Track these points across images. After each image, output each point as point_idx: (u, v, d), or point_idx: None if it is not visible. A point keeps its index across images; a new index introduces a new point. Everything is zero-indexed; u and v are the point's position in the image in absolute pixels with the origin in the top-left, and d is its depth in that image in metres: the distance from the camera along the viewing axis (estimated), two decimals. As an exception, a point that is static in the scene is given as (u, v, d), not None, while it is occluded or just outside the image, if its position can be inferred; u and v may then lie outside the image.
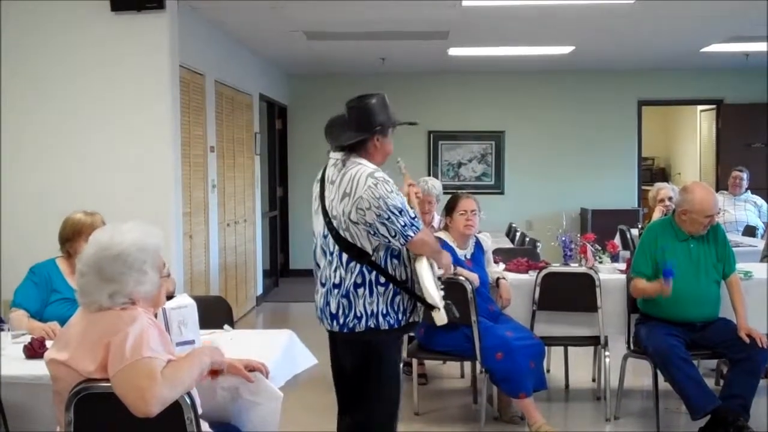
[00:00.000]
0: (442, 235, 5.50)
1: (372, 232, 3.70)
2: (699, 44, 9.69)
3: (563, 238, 6.07)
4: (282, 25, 8.24)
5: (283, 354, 3.79)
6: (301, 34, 8.69)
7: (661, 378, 5.16)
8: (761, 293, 5.46)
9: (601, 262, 6.10)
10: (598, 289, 5.52)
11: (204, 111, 7.78)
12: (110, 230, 2.99)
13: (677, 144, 15.67)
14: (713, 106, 12.70)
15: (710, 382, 5.70)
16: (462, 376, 6.60)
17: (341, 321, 3.79)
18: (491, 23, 8.24)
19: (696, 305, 5.18)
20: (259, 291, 10.28)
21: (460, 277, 5.17)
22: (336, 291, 3.78)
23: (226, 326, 4.16)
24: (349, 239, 3.74)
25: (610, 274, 5.83)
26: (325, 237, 3.84)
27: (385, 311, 3.75)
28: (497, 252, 6.38)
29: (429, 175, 11.53)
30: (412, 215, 3.75)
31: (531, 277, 5.75)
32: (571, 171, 12.27)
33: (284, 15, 7.74)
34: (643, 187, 12.55)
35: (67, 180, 6.33)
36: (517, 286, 5.67)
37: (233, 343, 3.78)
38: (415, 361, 5.70)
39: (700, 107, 13.97)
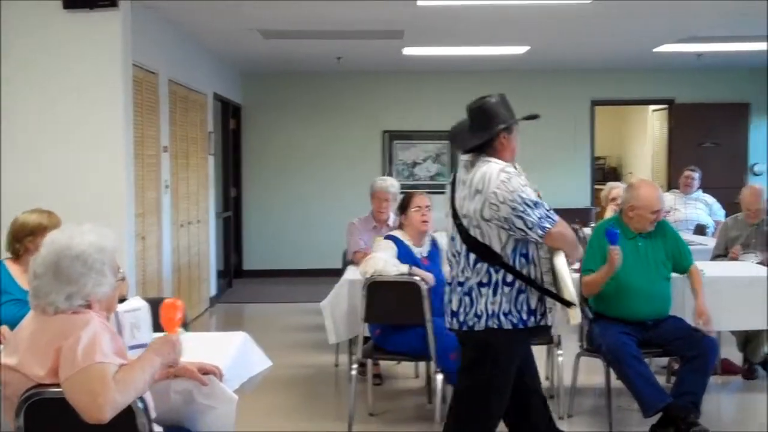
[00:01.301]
0: (398, 234, 5.50)
1: (507, 227, 3.71)
2: (651, 44, 9.80)
3: (518, 238, 6.09)
4: (238, 23, 8.20)
5: (237, 356, 3.77)
6: (256, 33, 8.64)
7: (613, 376, 5.21)
8: (712, 291, 5.52)
9: (555, 262, 6.12)
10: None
11: (157, 110, 7.70)
12: (68, 231, 2.95)
13: (629, 143, 15.84)
14: (665, 106, 12.86)
15: (661, 380, 5.77)
16: (416, 376, 6.60)
17: (461, 318, 3.84)
18: (446, 23, 8.27)
19: (646, 302, 5.24)
20: (213, 292, 10.21)
21: (415, 277, 5.18)
22: (459, 288, 3.83)
23: (179, 329, 4.11)
24: (479, 237, 3.76)
25: (563, 273, 5.85)
26: (453, 239, 3.90)
27: (507, 310, 3.76)
28: (452, 252, 6.40)
29: (383, 174, 11.54)
30: (548, 208, 3.76)
31: (486, 276, 5.76)
32: (525, 170, 12.25)
33: (240, 14, 7.70)
34: (596, 186, 12.68)
35: (17, 180, 6.22)
36: (471, 286, 5.67)
37: (187, 346, 3.74)
38: (369, 362, 5.69)
39: (651, 107, 14.13)
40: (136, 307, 3.56)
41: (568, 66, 11.85)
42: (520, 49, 9.99)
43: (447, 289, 3.95)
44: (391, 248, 5.40)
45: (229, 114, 11.62)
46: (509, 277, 3.75)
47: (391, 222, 6.55)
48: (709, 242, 7.81)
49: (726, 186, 10.47)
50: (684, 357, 5.14)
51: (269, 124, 12.27)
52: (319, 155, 12.32)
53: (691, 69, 11.84)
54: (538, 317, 3.80)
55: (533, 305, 3.79)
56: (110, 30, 6.30)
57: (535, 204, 3.70)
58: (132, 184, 6.66)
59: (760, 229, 6.95)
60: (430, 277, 5.28)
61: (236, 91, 11.83)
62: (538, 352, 6.26)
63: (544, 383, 6.24)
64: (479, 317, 3.78)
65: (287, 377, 6.50)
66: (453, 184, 3.97)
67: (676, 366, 5.99)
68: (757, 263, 6.57)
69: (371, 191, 6.79)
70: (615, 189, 7.11)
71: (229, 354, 3.71)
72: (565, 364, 5.59)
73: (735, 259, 6.79)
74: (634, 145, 15.40)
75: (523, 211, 3.66)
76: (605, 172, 15.48)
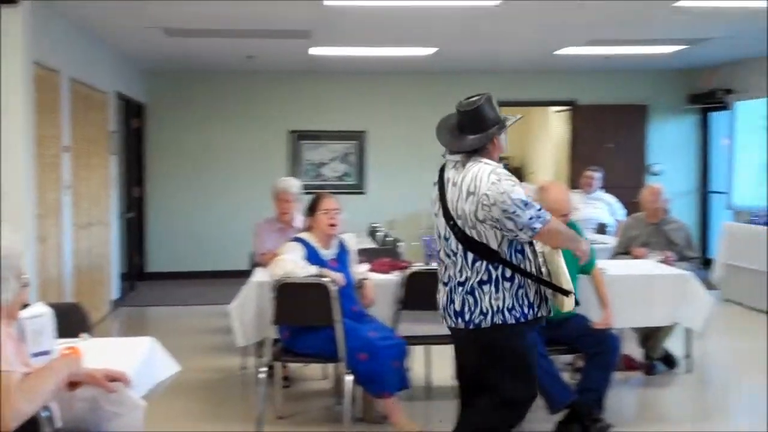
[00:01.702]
0: (305, 236, 5.48)
1: (499, 228, 3.72)
2: (554, 47, 9.99)
3: (425, 238, 6.15)
4: (141, 21, 8.05)
5: (144, 362, 3.69)
6: (160, 31, 8.50)
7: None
8: (613, 289, 5.65)
9: (462, 262, 6.19)
10: (459, 288, 5.60)
11: (58, 109, 7.51)
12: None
13: (532, 144, 16.09)
14: (567, 108, 13.11)
15: (566, 377, 5.87)
16: (324, 377, 6.59)
17: (466, 318, 3.83)
18: (353, 24, 8.27)
19: (553, 302, 5.32)
20: (115, 295, 10.00)
21: (325, 278, 5.17)
22: (460, 289, 3.83)
23: (84, 334, 4.02)
24: (476, 237, 3.77)
25: (470, 273, 5.91)
26: (446, 239, 3.87)
27: (510, 305, 3.80)
28: (360, 252, 6.39)
29: (290, 174, 11.49)
30: (538, 207, 3.76)
31: (394, 277, 5.79)
32: (432, 171, 12.34)
33: (144, 12, 7.56)
34: (501, 187, 12.83)
35: None
36: (380, 286, 5.70)
37: (92, 352, 3.66)
38: (278, 364, 5.66)
39: (554, 108, 14.40)
40: (38, 313, 3.44)
41: (473, 67, 11.97)
42: (428, 51, 10.06)
43: (444, 290, 3.94)
44: (299, 250, 5.38)
45: (132, 113, 11.41)
46: (508, 273, 3.80)
47: (297, 223, 6.52)
48: (610, 241, 8.01)
49: (626, 186, 10.74)
50: (588, 354, 5.25)
51: (174, 123, 12.09)
52: (225, 155, 12.19)
53: (593, 71, 12.11)
54: (536, 309, 3.88)
55: (531, 298, 3.86)
56: (11, 27, 6.13)
57: (525, 204, 3.72)
58: (31, 185, 6.49)
59: (660, 228, 7.15)
60: (339, 278, 5.27)
61: (140, 89, 11.61)
62: (447, 352, 6.36)
63: (451, 382, 6.34)
64: (485, 314, 3.81)
65: (194, 381, 6.40)
66: (441, 183, 3.98)
67: (580, 363, 6.13)
68: (659, 261, 6.76)
69: (273, 193, 6.75)
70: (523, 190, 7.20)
71: (136, 359, 3.64)
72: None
73: (639, 257, 6.97)
74: (537, 146, 15.66)
75: (513, 212, 3.69)
76: (509, 173, 15.67)
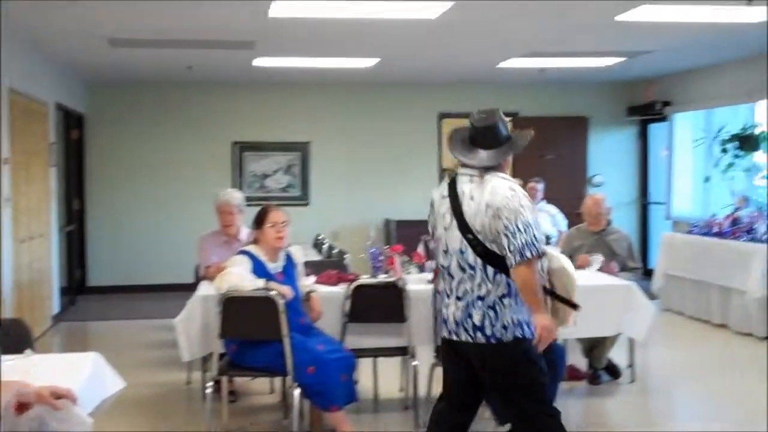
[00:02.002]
0: (252, 249, 5.44)
1: (498, 241, 3.80)
2: (496, 59, 10.07)
3: (372, 250, 6.15)
4: (84, 31, 7.93)
5: (90, 378, 3.64)
6: (104, 41, 8.38)
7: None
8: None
9: (408, 273, 6.22)
10: (406, 300, 5.61)
11: (-4, 121, 7.38)
12: None
13: (475, 155, 16.20)
14: (509, 119, 13.16)
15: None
16: (271, 391, 6.54)
17: (488, 332, 3.83)
18: (297, 35, 8.25)
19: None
20: (56, 310, 9.82)
21: (272, 291, 5.14)
22: (480, 303, 3.83)
23: (27, 351, 3.94)
24: (497, 251, 3.78)
25: (417, 284, 5.93)
26: (462, 252, 3.85)
27: (527, 320, 3.86)
28: (307, 265, 6.36)
29: (234, 186, 11.42)
30: (539, 237, 3.79)
31: (341, 289, 5.78)
32: (376, 182, 12.48)
33: (86, 21, 7.45)
34: (444, 198, 12.89)
35: None
36: (327, 299, 5.68)
37: (36, 369, 3.58)
38: (224, 379, 5.60)
39: (496, 120, 14.49)
40: (-20, 330, 3.37)
41: (416, 79, 12.04)
42: (370, 62, 10.08)
43: (458, 303, 3.93)
44: (246, 263, 5.34)
45: (72, 123, 11.24)
46: None
47: (242, 236, 6.47)
48: (553, 252, 8.06)
49: (567, 197, 10.87)
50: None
51: (115, 134, 11.93)
52: (168, 166, 12.06)
53: (534, 83, 12.24)
54: None
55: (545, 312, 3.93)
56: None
57: (525, 229, 3.74)
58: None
59: (602, 238, 7.23)
60: (287, 291, 5.25)
61: (79, 100, 11.45)
62: (393, 363, 6.38)
63: (399, 394, 6.36)
64: (506, 328, 3.84)
65: (139, 397, 6.31)
66: (454, 197, 3.95)
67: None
68: (597, 270, 6.83)
69: (215, 206, 6.69)
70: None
71: (82, 376, 3.58)
72: (421, 375, 5.65)
73: (582, 266, 7.04)
74: (480, 157, 15.75)
75: (512, 233, 3.74)
76: (452, 184, 15.78)
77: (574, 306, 4.02)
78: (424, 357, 5.82)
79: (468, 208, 3.89)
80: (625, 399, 6.53)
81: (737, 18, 7.41)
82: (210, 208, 6.82)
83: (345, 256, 7.76)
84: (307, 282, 5.79)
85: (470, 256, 3.87)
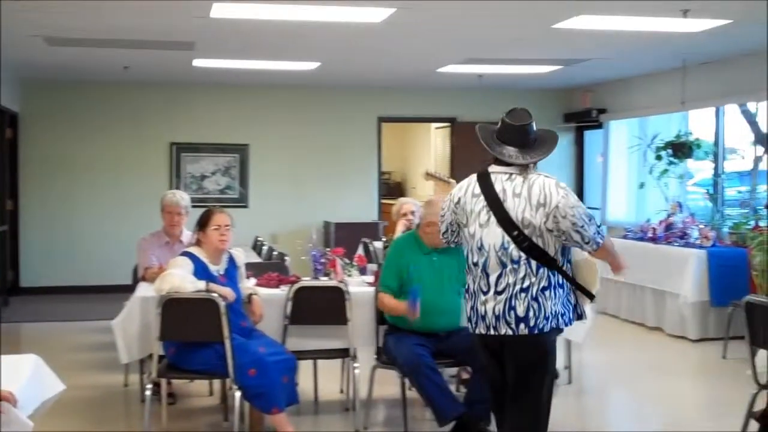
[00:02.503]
0: (194, 251, 5.41)
1: (564, 239, 3.94)
2: (436, 65, 10.15)
3: (313, 252, 6.16)
4: (20, 29, 7.79)
5: (30, 380, 3.59)
6: (40, 40, 8.25)
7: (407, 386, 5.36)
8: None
9: (350, 275, 6.24)
10: (348, 302, 5.63)
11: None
12: None
13: (414, 159, 16.32)
14: (447, 124, 13.33)
15: (452, 389, 5.96)
16: (211, 393, 6.50)
17: (531, 323, 3.93)
18: (238, 36, 8.22)
19: (440, 315, 5.41)
20: (-12, 311, 9.63)
21: (213, 294, 5.11)
22: (523, 295, 3.93)
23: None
24: (541, 246, 3.92)
25: (358, 287, 5.96)
26: (505, 248, 3.92)
27: (562, 311, 4.00)
28: (247, 267, 6.35)
29: (171, 187, 11.32)
30: (598, 223, 3.98)
31: (282, 291, 5.78)
32: (315, 185, 12.48)
33: (22, 20, 7.33)
34: (383, 201, 12.98)
35: None
36: (268, 301, 5.68)
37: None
38: (163, 381, 5.56)
39: (435, 125, 14.63)
40: None
41: (356, 83, 12.08)
42: (311, 65, 10.08)
43: (498, 297, 3.98)
44: (188, 265, 5.31)
45: (6, 123, 11.03)
46: (561, 279, 3.99)
47: (184, 238, 6.43)
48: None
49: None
50: (475, 367, 5.34)
51: (51, 134, 11.74)
52: (104, 167, 11.89)
53: (473, 89, 12.34)
54: (573, 315, 4.10)
55: (573, 304, 4.09)
56: None
57: (590, 219, 3.95)
58: None
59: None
60: (228, 293, 5.23)
61: (13, 98, 11.23)
62: (334, 365, 6.40)
63: (340, 396, 6.37)
64: (548, 319, 3.95)
65: (76, 399, 6.21)
66: (492, 194, 4.02)
67: (465, 375, 6.24)
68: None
69: (161, 206, 6.63)
70: (406, 204, 7.29)
71: (22, 378, 3.53)
72: (361, 377, 5.67)
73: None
74: (419, 161, 15.88)
75: (581, 227, 3.91)
76: (391, 187, 15.88)
77: (591, 296, 4.16)
78: (365, 359, 5.84)
79: (513, 205, 3.98)
80: (562, 400, 6.59)
81: (672, 28, 7.58)
82: (146, 209, 6.78)
83: (285, 258, 7.74)
84: (248, 284, 5.78)
85: (514, 251, 3.95)
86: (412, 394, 5.54)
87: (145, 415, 5.26)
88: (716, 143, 9.99)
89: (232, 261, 5.54)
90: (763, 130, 10.48)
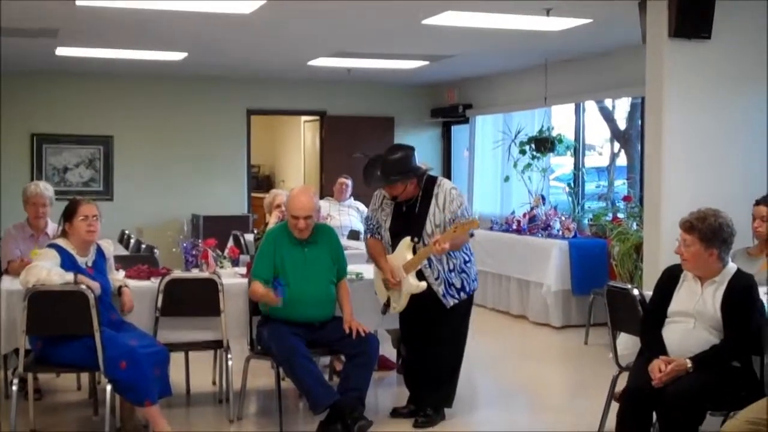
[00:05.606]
0: (61, 242, 5.28)
1: None
2: (306, 57, 10.17)
3: (185, 245, 6.10)
4: None
5: None
6: None
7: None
8: (370, 292, 5.85)
9: (222, 267, 6.21)
10: (221, 294, 5.60)
11: None
12: None
13: (283, 152, 16.29)
14: (317, 118, 13.37)
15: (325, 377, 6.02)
16: (79, 388, 6.35)
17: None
18: (104, 24, 8.04)
19: (314, 306, 5.46)
20: None
21: (82, 286, 5.01)
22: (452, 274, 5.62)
23: None
24: None
25: (231, 278, 5.93)
26: None
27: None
28: (116, 259, 6.23)
29: (32, 179, 10.97)
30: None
31: (153, 283, 5.70)
32: (183, 177, 12.32)
33: None
34: (252, 194, 12.92)
35: None
36: (139, 293, 5.59)
37: None
38: (30, 376, 5.41)
39: (304, 118, 14.65)
40: None
41: (225, 75, 11.98)
42: (178, 55, 9.95)
43: (449, 275, 5.56)
44: (54, 257, 5.18)
45: None
46: None
47: (49, 230, 6.26)
48: (362, 247, 8.24)
49: (372, 194, 11.06)
50: (349, 355, 5.41)
51: None
52: (-40, 158, 11.44)
53: (343, 83, 12.44)
54: None
55: None
56: None
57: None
58: None
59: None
60: (96, 285, 5.13)
61: None
62: (207, 356, 6.35)
63: (213, 388, 6.34)
64: None
65: (-66, 398, 5.98)
66: None
67: (338, 365, 6.31)
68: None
69: (24, 197, 6.42)
70: (279, 196, 7.27)
71: None
72: (235, 368, 5.65)
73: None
74: (288, 154, 15.87)
75: None
76: (260, 180, 15.81)
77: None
78: (238, 350, 5.83)
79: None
80: (432, 388, 6.75)
81: (536, 26, 7.83)
82: (8, 202, 6.57)
83: (155, 250, 7.63)
84: (118, 276, 5.68)
85: None
86: (286, 384, 5.57)
87: (11, 411, 5.10)
88: (577, 139, 10.37)
89: (100, 252, 5.43)
90: (620, 127, 10.96)
